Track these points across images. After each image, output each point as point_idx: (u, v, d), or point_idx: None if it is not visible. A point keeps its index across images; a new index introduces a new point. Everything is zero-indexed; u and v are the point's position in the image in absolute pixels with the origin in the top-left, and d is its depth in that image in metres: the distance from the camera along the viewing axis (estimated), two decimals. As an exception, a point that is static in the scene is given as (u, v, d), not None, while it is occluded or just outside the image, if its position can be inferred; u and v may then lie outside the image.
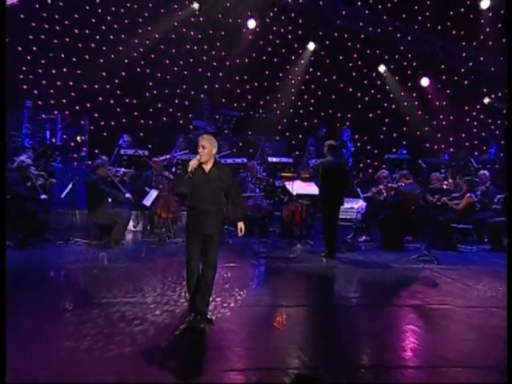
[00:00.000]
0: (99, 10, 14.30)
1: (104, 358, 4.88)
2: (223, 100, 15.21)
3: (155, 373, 4.64)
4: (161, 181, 10.63)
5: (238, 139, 14.66)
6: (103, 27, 14.37)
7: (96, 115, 14.15)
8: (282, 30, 15.80)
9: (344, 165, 10.31)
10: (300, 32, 15.83)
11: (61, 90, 13.87)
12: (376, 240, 10.65)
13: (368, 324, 6.24)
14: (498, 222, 10.60)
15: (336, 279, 8.54)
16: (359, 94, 16.15)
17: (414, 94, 15.95)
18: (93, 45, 14.28)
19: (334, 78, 16.13)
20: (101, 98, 14.41)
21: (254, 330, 5.88)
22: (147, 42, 14.59)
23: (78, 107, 13.98)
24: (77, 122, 13.45)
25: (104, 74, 14.15)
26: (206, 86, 15.14)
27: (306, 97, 16.07)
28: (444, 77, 16.12)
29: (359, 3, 15.79)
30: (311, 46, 15.67)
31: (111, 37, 14.41)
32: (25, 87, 13.65)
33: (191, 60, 15.11)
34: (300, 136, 15.36)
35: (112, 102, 14.54)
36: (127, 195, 9.90)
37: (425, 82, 15.74)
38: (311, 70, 15.95)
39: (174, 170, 11.63)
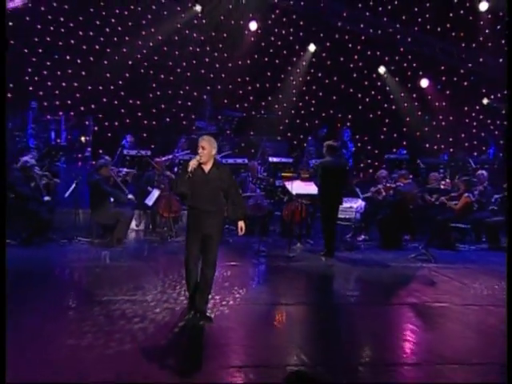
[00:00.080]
0: (103, 13, 14.40)
1: (104, 355, 4.92)
2: (225, 101, 15.28)
3: (154, 370, 4.68)
4: (162, 181, 10.66)
5: (239, 140, 14.68)
6: (107, 29, 14.46)
7: (100, 116, 14.25)
8: (284, 32, 15.83)
9: (343, 165, 10.31)
10: (301, 34, 15.88)
11: (66, 91, 13.96)
12: (375, 239, 10.66)
13: (366, 322, 6.29)
14: (495, 221, 10.65)
15: (335, 278, 8.56)
16: (360, 95, 16.17)
17: (414, 95, 15.95)
18: (97, 47, 14.39)
19: (335, 79, 16.16)
20: (105, 99, 14.51)
21: (252, 328, 5.91)
22: (151, 43, 14.66)
23: (82, 108, 14.05)
24: (81, 123, 13.51)
25: (108, 75, 14.22)
26: (208, 87, 15.19)
27: (307, 97, 16.11)
28: (444, 78, 16.12)
29: (360, 5, 15.79)
30: (312, 47, 15.71)
31: (115, 39, 14.48)
32: (30, 88, 13.75)
33: (194, 61, 15.19)
34: (301, 136, 15.37)
35: (116, 102, 14.62)
36: (129, 196, 9.96)
37: (424, 83, 15.75)
38: (312, 71, 15.99)
39: (176, 169, 11.70)
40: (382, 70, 15.99)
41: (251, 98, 15.80)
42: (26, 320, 5.67)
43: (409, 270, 8.70)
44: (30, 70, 13.81)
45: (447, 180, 11.37)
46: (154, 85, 14.92)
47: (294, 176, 10.11)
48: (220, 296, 6.68)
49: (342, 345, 5.66)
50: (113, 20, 14.51)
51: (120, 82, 14.60)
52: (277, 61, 15.92)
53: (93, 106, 14.27)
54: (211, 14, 15.00)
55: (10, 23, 12.94)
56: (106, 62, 14.25)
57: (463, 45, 15.82)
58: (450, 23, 15.76)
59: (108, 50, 14.38)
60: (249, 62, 15.52)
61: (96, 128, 13.93)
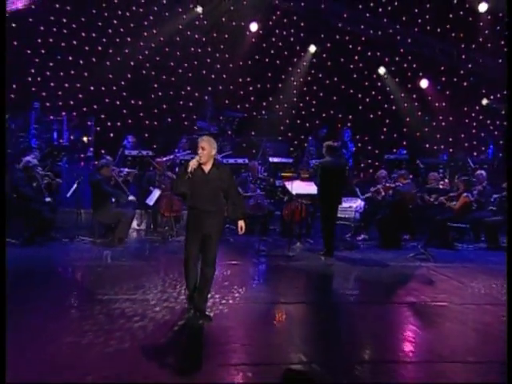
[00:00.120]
0: (105, 14, 14.48)
1: (104, 353, 4.95)
2: (226, 101, 15.33)
3: (154, 368, 4.70)
4: (163, 181, 10.70)
5: (240, 140, 14.74)
6: (109, 30, 14.53)
7: (102, 116, 14.32)
8: (285, 33, 15.88)
9: (342, 165, 10.32)
10: (302, 35, 15.92)
11: (68, 91, 14.04)
12: (374, 239, 10.66)
13: (365, 321, 6.31)
14: (494, 221, 10.67)
15: (334, 277, 8.56)
16: (360, 96, 16.20)
17: (414, 96, 15.95)
18: (99, 48, 14.46)
19: (336, 79, 16.19)
20: (107, 100, 14.57)
21: (252, 327, 5.92)
22: (152, 44, 14.72)
23: (84, 108, 14.09)
24: (83, 123, 13.55)
25: (110, 76, 14.27)
26: (209, 88, 15.23)
27: (307, 98, 16.15)
28: (443, 78, 16.13)
29: (360, 6, 15.82)
30: (313, 48, 15.74)
31: (117, 40, 14.56)
32: (33, 89, 13.81)
33: (195, 62, 15.23)
34: (302, 136, 15.40)
35: (118, 103, 14.69)
36: (130, 197, 9.97)
37: (424, 83, 15.76)
38: (313, 71, 16.02)
39: (177, 169, 11.79)
40: (382, 70, 16.00)
41: (252, 98, 15.84)
42: (28, 319, 5.69)
43: (408, 270, 8.71)
44: (32, 70, 13.88)
45: (446, 180, 11.41)
46: (155, 85, 14.98)
47: (293, 176, 10.16)
48: (219, 295, 6.70)
49: (340, 343, 5.68)
50: (115, 21, 14.57)
51: (122, 83, 14.65)
52: (278, 61, 15.96)
53: (95, 107, 14.32)
54: (212, 15, 15.06)
55: (14, 24, 13.10)
56: (108, 63, 14.28)
57: (463, 46, 15.86)
58: (449, 24, 15.78)
59: (110, 51, 14.44)
60: (250, 62, 15.56)
61: (98, 128, 13.97)
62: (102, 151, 12.75)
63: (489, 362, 5.17)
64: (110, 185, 9.84)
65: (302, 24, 15.92)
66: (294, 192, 9.68)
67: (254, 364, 4.92)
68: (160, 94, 15.03)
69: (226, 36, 15.36)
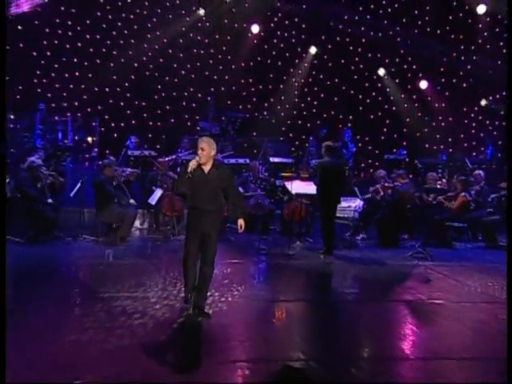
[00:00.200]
0: (110, 17, 14.58)
1: (104, 350, 4.97)
2: (229, 102, 15.36)
3: (153, 365, 4.72)
4: (165, 180, 10.77)
5: (242, 140, 14.78)
6: (114, 32, 14.62)
7: (106, 117, 14.42)
8: (286, 35, 15.94)
9: (341, 165, 10.35)
10: (303, 36, 15.98)
11: (73, 92, 14.15)
12: (373, 238, 10.72)
13: (363, 319, 6.37)
14: (492, 220, 10.76)
15: (333, 275, 8.62)
16: (360, 96, 16.24)
17: (414, 96, 15.97)
18: (104, 49, 14.55)
19: (336, 80, 16.22)
20: (111, 101, 14.67)
21: (251, 324, 5.95)
22: (156, 46, 14.86)
23: (89, 109, 14.16)
24: (88, 124, 13.61)
25: (114, 77, 14.35)
26: (212, 89, 15.29)
27: (308, 99, 16.20)
28: (443, 79, 16.15)
29: (360, 8, 15.88)
30: (314, 49, 15.79)
31: (121, 42, 14.66)
32: (39, 90, 13.92)
33: (198, 64, 15.30)
34: (303, 137, 15.45)
35: (122, 104, 14.78)
36: (131, 201, 10.06)
37: (424, 84, 15.77)
38: (314, 73, 16.07)
39: (178, 169, 11.88)
40: (382, 71, 16.03)
41: (254, 99, 15.90)
42: (30, 317, 5.74)
43: (405, 268, 8.77)
44: (38, 72, 14.00)
45: (444, 180, 11.49)
46: (158, 86, 15.07)
47: (293, 176, 10.21)
48: (219, 293, 6.75)
49: (339, 341, 5.73)
50: (119, 23, 14.67)
51: (126, 84, 14.74)
52: (279, 63, 16.00)
53: (99, 108, 14.43)
54: (214, 17, 15.16)
55: (20, 27, 13.28)
56: (112, 65, 14.40)
57: (462, 47, 15.88)
58: (449, 26, 15.82)
59: (114, 53, 14.54)
60: (251, 64, 15.62)
61: (102, 129, 14.07)
62: (107, 151, 12.81)
63: (485, 359, 5.22)
64: (112, 185, 9.92)
65: (303, 26, 15.96)
66: (293, 192, 9.74)
67: (253, 361, 4.95)
68: (163, 95, 15.12)
69: (228, 38, 15.42)
